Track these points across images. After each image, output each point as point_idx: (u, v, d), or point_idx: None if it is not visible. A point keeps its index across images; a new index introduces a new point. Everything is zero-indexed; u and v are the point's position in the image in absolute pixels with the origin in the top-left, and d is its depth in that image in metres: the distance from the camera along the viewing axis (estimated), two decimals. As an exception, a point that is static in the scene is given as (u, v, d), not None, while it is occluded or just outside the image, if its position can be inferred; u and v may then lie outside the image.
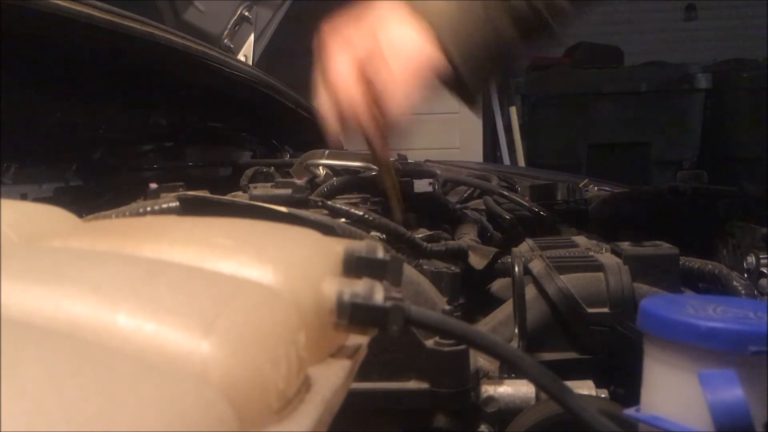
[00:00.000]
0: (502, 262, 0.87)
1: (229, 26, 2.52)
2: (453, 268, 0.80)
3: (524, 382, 0.65)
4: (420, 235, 0.88)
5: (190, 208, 0.75)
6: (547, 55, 4.82)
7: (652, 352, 0.48)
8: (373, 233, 0.84)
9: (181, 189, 0.93)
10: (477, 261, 0.86)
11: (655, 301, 0.49)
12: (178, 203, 0.76)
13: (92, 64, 1.28)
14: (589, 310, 0.72)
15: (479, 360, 0.66)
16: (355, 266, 0.40)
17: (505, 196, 1.35)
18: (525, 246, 0.91)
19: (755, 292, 0.81)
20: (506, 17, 0.83)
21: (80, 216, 0.47)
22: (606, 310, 0.72)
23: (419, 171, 1.63)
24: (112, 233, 0.40)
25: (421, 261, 0.82)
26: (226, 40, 2.51)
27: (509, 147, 4.03)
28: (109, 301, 0.28)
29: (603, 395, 0.65)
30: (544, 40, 0.89)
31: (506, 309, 0.78)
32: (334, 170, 1.43)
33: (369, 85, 0.83)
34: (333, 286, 0.37)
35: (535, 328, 0.73)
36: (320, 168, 1.42)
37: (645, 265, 0.75)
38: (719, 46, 4.85)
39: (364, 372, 0.58)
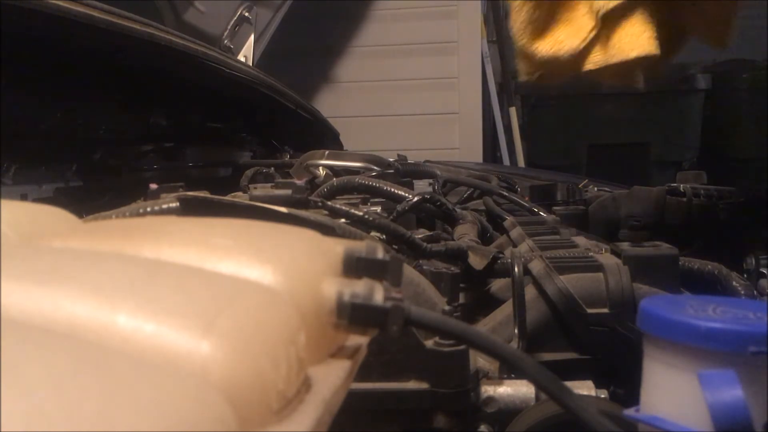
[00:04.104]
0: (502, 262, 0.86)
1: (229, 27, 2.52)
2: (453, 268, 0.80)
3: (524, 382, 0.65)
4: (420, 236, 0.88)
5: (190, 208, 0.75)
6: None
7: (651, 353, 0.48)
8: (373, 233, 0.84)
9: (181, 189, 0.93)
10: (477, 261, 0.86)
11: (655, 302, 0.49)
12: (178, 204, 0.76)
13: (92, 64, 1.28)
14: (589, 311, 0.72)
15: (479, 360, 0.66)
16: (355, 267, 0.40)
17: (504, 197, 1.35)
18: (525, 246, 0.91)
19: (755, 293, 0.81)
20: None
21: (80, 216, 0.48)
22: (606, 310, 0.72)
23: (419, 171, 1.63)
24: (112, 233, 0.40)
25: (421, 261, 0.82)
26: (226, 41, 2.51)
27: (509, 147, 4.03)
28: (109, 301, 0.28)
29: (603, 395, 0.65)
30: None
31: (506, 309, 0.78)
32: (334, 171, 1.43)
33: None
34: (333, 287, 0.37)
35: (534, 328, 0.73)
36: (320, 168, 1.43)
37: (645, 266, 0.75)
38: (719, 47, 4.84)
39: (364, 372, 0.58)
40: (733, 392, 0.42)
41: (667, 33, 0.89)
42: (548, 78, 1.08)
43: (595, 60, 0.92)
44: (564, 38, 0.87)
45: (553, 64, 1.08)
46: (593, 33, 0.95)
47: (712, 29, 0.87)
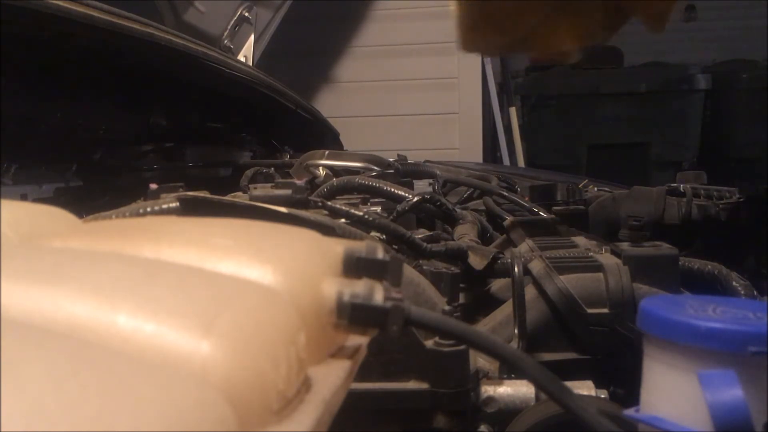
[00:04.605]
0: (502, 262, 0.86)
1: (229, 27, 2.52)
2: (453, 268, 0.80)
3: (524, 382, 0.65)
4: (420, 236, 0.88)
5: (190, 208, 0.75)
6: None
7: (651, 353, 0.48)
8: (373, 233, 0.84)
9: (181, 189, 0.93)
10: (477, 261, 0.86)
11: (655, 302, 0.49)
12: (178, 204, 0.76)
13: (92, 64, 1.28)
14: (589, 311, 0.72)
15: (479, 360, 0.66)
16: (355, 267, 0.40)
17: (504, 197, 1.35)
18: (525, 246, 0.91)
19: (755, 293, 0.81)
20: None
21: (80, 216, 0.48)
22: (606, 310, 0.72)
23: (419, 171, 1.63)
24: (111, 234, 0.40)
25: (420, 261, 0.82)
26: (226, 41, 2.51)
27: (509, 147, 4.03)
28: (109, 301, 0.28)
29: (602, 395, 0.65)
30: None
31: (506, 309, 0.78)
32: (334, 171, 1.43)
33: None
34: (333, 287, 0.37)
35: (534, 328, 0.73)
36: (320, 168, 1.43)
37: (645, 266, 0.75)
38: (719, 46, 4.85)
39: (364, 372, 0.58)
40: (733, 392, 0.42)
41: (610, 16, 0.90)
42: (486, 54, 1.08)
43: (542, 47, 0.92)
44: (507, 33, 0.87)
45: (491, 48, 1.08)
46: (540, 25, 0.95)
47: (653, 13, 0.89)
